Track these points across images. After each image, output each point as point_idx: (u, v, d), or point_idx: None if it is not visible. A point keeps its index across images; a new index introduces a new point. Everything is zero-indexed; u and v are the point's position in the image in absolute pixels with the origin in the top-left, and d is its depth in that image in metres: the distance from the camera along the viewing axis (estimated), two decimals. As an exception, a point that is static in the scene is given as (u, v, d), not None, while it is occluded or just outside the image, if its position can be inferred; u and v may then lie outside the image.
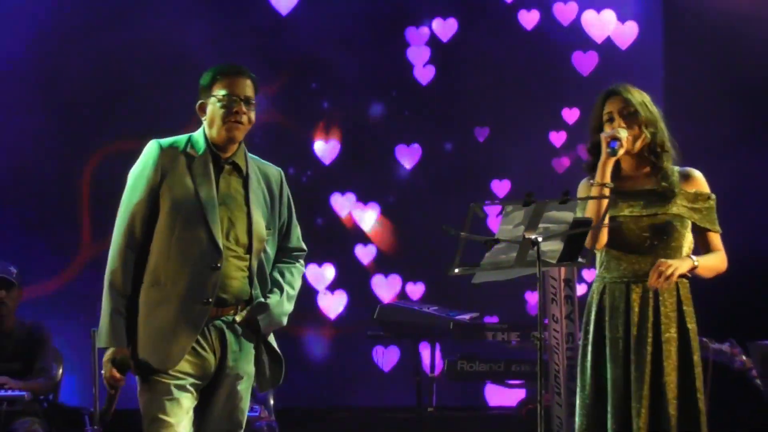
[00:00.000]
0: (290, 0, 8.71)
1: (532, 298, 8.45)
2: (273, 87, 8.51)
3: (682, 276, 4.33)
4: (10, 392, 6.40)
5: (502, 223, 4.07)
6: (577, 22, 8.81)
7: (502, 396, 8.33)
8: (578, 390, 4.45)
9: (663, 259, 4.28)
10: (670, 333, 4.32)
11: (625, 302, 4.36)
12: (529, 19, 8.80)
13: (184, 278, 4.02)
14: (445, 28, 8.83)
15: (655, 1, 8.56)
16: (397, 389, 8.20)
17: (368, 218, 8.79)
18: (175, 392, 4.02)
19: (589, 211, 4.29)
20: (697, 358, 4.34)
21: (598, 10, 8.83)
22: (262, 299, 4.16)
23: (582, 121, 8.25)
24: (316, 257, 8.47)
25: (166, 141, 4.15)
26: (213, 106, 4.12)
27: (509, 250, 4.08)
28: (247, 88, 4.14)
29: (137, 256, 4.06)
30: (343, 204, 8.77)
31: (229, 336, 4.10)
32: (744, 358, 6.39)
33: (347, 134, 8.78)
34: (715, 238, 4.46)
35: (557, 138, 8.74)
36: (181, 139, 4.17)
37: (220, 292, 4.05)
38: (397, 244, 8.77)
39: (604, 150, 4.32)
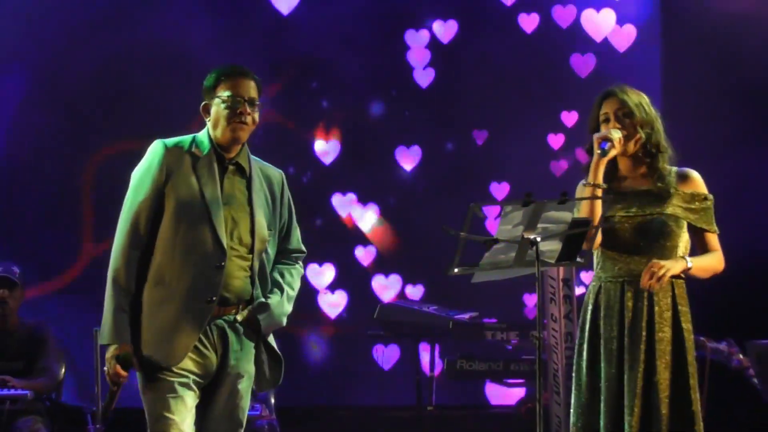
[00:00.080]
0: (291, 0, 8.72)
1: (531, 300, 8.45)
2: (274, 87, 8.51)
3: (675, 276, 4.35)
4: (12, 391, 6.43)
5: (501, 223, 4.09)
6: (575, 25, 8.79)
7: (501, 395, 8.34)
8: (573, 388, 4.47)
9: (655, 260, 4.30)
10: (664, 332, 4.34)
11: (620, 302, 4.38)
12: (528, 21, 8.79)
13: (188, 277, 4.05)
14: (445, 30, 8.81)
15: (654, 3, 8.55)
16: (397, 388, 8.21)
17: (368, 219, 8.80)
18: (179, 390, 4.05)
19: (583, 211, 4.32)
20: (691, 358, 4.35)
21: (598, 9, 8.84)
22: (263, 299, 4.19)
23: (580, 123, 8.27)
24: (316, 257, 8.48)
25: (171, 141, 4.18)
26: (217, 107, 4.15)
27: (508, 250, 4.10)
28: (251, 89, 4.18)
29: (141, 255, 4.08)
30: (344, 204, 8.77)
31: (231, 335, 4.13)
32: (741, 357, 6.37)
33: (347, 135, 8.78)
34: (713, 239, 4.47)
35: (555, 140, 8.74)
36: (186, 139, 4.20)
37: (223, 291, 4.08)
38: (397, 246, 8.76)
39: (596, 150, 4.35)
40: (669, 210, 4.39)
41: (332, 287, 8.66)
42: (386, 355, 8.53)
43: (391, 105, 8.83)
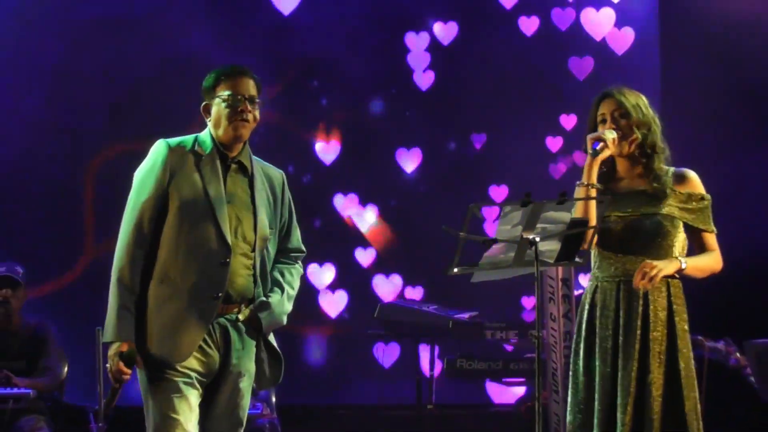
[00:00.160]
0: (292, 1, 8.73)
1: (529, 303, 8.46)
2: (275, 88, 8.52)
3: (670, 276, 4.37)
4: (15, 390, 6.44)
5: (501, 223, 4.11)
6: (575, 28, 8.80)
7: (500, 394, 8.36)
8: (570, 387, 4.49)
9: (648, 260, 4.32)
10: (658, 331, 4.35)
11: (616, 301, 4.40)
12: (528, 24, 8.80)
13: (193, 274, 4.08)
14: (445, 32, 8.82)
15: (652, 6, 8.56)
16: (397, 387, 8.23)
17: (368, 220, 8.82)
18: (184, 389, 4.07)
19: (577, 211, 4.33)
20: (685, 359, 4.36)
21: (597, 8, 8.85)
22: (264, 298, 4.22)
23: (579, 126, 8.28)
24: (317, 257, 8.50)
25: (174, 140, 4.21)
26: (218, 107, 4.18)
27: (507, 249, 4.12)
28: (251, 87, 4.21)
29: (145, 254, 4.10)
30: (345, 205, 8.79)
31: (233, 334, 4.15)
32: (738, 356, 6.40)
33: (348, 136, 8.79)
34: (710, 238, 4.49)
35: (554, 143, 8.74)
36: (188, 138, 4.23)
37: (227, 288, 4.11)
38: (397, 247, 8.77)
39: (588, 151, 4.38)
40: (665, 210, 4.41)
41: (333, 287, 8.68)
42: (387, 353, 8.55)
43: (392, 106, 8.84)
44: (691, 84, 7.83)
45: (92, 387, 6.71)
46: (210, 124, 4.23)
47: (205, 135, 4.23)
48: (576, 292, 6.78)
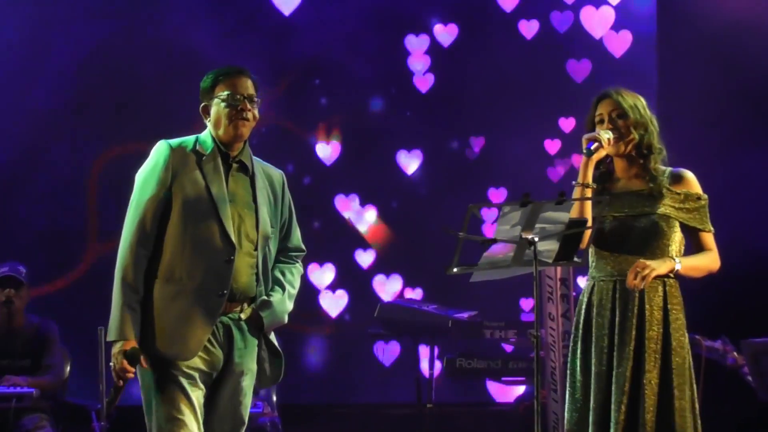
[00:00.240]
0: (293, 1, 8.73)
1: (527, 304, 8.47)
2: (275, 89, 8.52)
3: (664, 276, 4.38)
4: (18, 389, 6.46)
5: (500, 223, 4.13)
6: (573, 30, 8.80)
7: (501, 392, 8.37)
8: (568, 386, 4.52)
9: (641, 260, 4.34)
10: (654, 331, 4.37)
11: (611, 300, 4.41)
12: (528, 27, 8.80)
13: (199, 272, 4.10)
14: (445, 34, 8.82)
15: (650, 9, 8.55)
16: (397, 386, 8.25)
17: (368, 220, 8.84)
18: (189, 388, 4.09)
19: (573, 211, 4.34)
20: (679, 357, 4.37)
21: (597, 7, 8.84)
22: (265, 297, 4.25)
23: (578, 129, 8.29)
24: (317, 257, 8.51)
25: (175, 141, 4.24)
26: (217, 107, 4.21)
27: (506, 249, 4.13)
28: (249, 86, 4.24)
29: (148, 253, 4.12)
30: (346, 206, 8.80)
31: (236, 333, 4.18)
32: (736, 355, 6.40)
33: (349, 137, 8.79)
34: (707, 238, 4.50)
35: (553, 146, 8.75)
36: (189, 139, 4.26)
37: (231, 286, 4.14)
38: (397, 247, 8.78)
39: (583, 151, 4.40)
40: (660, 210, 4.43)
41: (333, 286, 8.70)
42: (387, 351, 8.57)
43: (392, 107, 8.84)
44: (688, 86, 7.84)
45: (94, 386, 6.74)
46: (210, 125, 4.26)
47: (205, 135, 4.26)
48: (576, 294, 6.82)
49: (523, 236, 4.11)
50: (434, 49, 8.85)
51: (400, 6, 8.80)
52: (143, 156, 4.28)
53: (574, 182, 4.44)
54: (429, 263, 8.10)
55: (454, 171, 8.77)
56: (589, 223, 4.35)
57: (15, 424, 6.52)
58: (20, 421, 6.56)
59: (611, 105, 4.47)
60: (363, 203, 8.82)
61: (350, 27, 8.68)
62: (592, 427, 4.39)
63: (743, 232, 7.27)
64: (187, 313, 4.09)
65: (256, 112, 4.24)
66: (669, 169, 4.52)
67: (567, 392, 4.52)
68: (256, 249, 4.20)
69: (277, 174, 4.40)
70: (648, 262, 4.33)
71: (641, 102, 4.52)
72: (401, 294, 8.67)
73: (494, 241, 4.13)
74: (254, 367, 4.26)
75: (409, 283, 8.72)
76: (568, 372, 4.53)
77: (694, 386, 4.45)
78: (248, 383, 4.24)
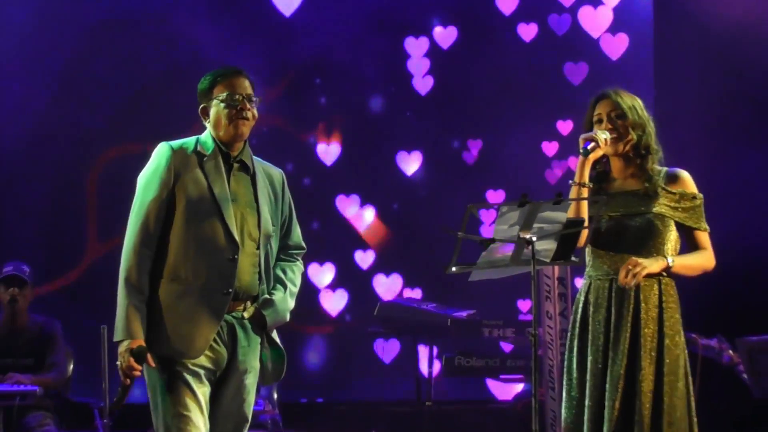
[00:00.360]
0: (293, 2, 8.74)
1: (525, 306, 8.48)
2: (276, 89, 8.54)
3: (656, 275, 4.41)
4: (22, 387, 6.49)
5: (498, 223, 4.15)
6: (570, 33, 8.81)
7: (503, 390, 8.41)
8: (564, 383, 4.55)
9: (634, 258, 4.37)
10: (649, 328, 4.39)
11: (607, 298, 4.44)
12: (527, 31, 8.81)
13: (203, 271, 4.13)
14: (444, 36, 8.82)
15: (646, 11, 8.54)
16: (397, 384, 8.28)
17: (368, 220, 8.86)
18: (195, 386, 4.12)
19: (570, 210, 4.36)
20: (672, 355, 4.39)
21: (595, 6, 8.85)
22: (267, 296, 4.28)
23: (575, 132, 8.29)
24: (318, 256, 8.54)
25: (176, 143, 4.26)
26: (217, 108, 4.24)
27: (505, 249, 4.17)
28: (247, 86, 4.27)
29: (152, 254, 4.14)
30: (347, 206, 8.81)
31: (239, 331, 4.21)
32: (731, 353, 6.41)
33: (349, 137, 8.80)
34: (702, 237, 4.52)
35: (551, 148, 8.77)
36: (190, 140, 4.28)
37: (235, 284, 4.17)
38: (397, 247, 8.78)
39: (579, 150, 4.44)
40: (656, 209, 4.46)
41: (333, 285, 8.72)
42: (387, 349, 8.58)
43: (393, 109, 8.84)
44: (684, 88, 7.84)
45: (93, 386, 6.79)
46: (209, 126, 4.29)
47: (206, 136, 4.29)
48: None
49: (521, 236, 4.13)
50: (433, 51, 8.85)
51: (400, 8, 8.80)
52: (142, 156, 4.30)
53: (571, 181, 4.47)
54: (428, 263, 8.12)
55: (453, 172, 8.78)
56: (586, 223, 4.38)
57: (19, 421, 6.56)
58: (24, 419, 6.60)
59: (610, 105, 4.50)
60: (363, 203, 8.83)
61: (351, 28, 8.68)
62: (587, 424, 4.42)
63: (739, 232, 7.28)
64: (192, 312, 4.12)
65: (255, 111, 4.27)
66: (665, 169, 4.55)
67: (564, 390, 4.55)
68: (258, 248, 4.23)
69: (277, 173, 4.43)
70: (640, 260, 4.36)
71: (639, 103, 4.54)
72: (401, 293, 8.70)
73: (492, 240, 4.15)
74: (257, 365, 4.28)
75: (408, 282, 8.73)
76: (565, 370, 4.56)
77: (690, 384, 4.47)
78: (251, 381, 4.26)
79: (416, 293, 8.70)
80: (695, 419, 4.46)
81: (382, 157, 8.82)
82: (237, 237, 4.17)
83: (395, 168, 8.85)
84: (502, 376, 7.55)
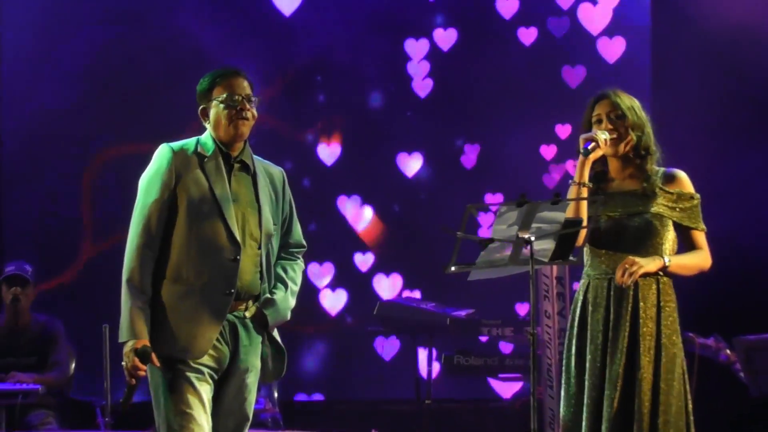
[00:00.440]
0: (293, 2, 8.73)
1: (522, 309, 8.46)
2: (276, 89, 8.55)
3: (653, 274, 4.43)
4: (25, 386, 6.52)
5: (497, 223, 4.18)
6: (568, 36, 8.80)
7: (505, 389, 8.43)
8: (563, 381, 4.57)
9: (630, 257, 4.40)
10: (648, 327, 4.42)
11: (606, 297, 4.46)
12: (527, 35, 8.80)
13: (206, 271, 4.16)
14: (444, 39, 8.81)
15: (644, 14, 8.54)
16: (396, 383, 8.29)
17: (369, 222, 8.87)
18: (197, 384, 4.14)
19: (570, 210, 4.39)
20: (669, 354, 4.41)
21: (594, 3, 8.84)
22: (269, 295, 4.31)
23: (573, 136, 8.30)
24: (318, 256, 8.55)
25: (177, 144, 4.28)
26: (216, 109, 4.26)
27: (503, 249, 4.20)
28: (246, 86, 4.28)
29: (155, 255, 4.17)
30: (347, 207, 8.81)
31: (241, 330, 4.23)
32: (728, 352, 6.44)
33: (349, 138, 8.79)
34: (699, 237, 4.55)
35: (548, 151, 8.77)
36: (190, 141, 4.30)
37: (237, 284, 4.19)
38: (397, 248, 8.78)
39: (580, 150, 4.47)
40: (654, 209, 4.48)
41: (333, 285, 8.73)
42: (387, 347, 8.59)
43: (393, 109, 8.84)
44: (681, 90, 7.85)
45: (93, 384, 6.81)
46: (209, 127, 4.30)
47: (206, 137, 4.30)
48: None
49: (520, 235, 4.15)
50: (433, 53, 8.83)
51: (400, 9, 8.80)
52: (138, 157, 4.35)
53: (571, 181, 4.50)
54: (428, 263, 8.12)
55: (453, 174, 8.77)
56: (585, 222, 4.40)
57: (21, 420, 6.59)
58: (26, 418, 6.63)
59: (609, 106, 4.52)
60: (364, 204, 8.83)
61: (351, 28, 8.67)
62: (585, 422, 4.44)
63: (736, 231, 7.30)
64: (195, 313, 4.14)
65: (254, 111, 4.28)
66: (662, 169, 4.57)
67: (562, 388, 4.57)
68: (259, 247, 4.25)
69: (278, 171, 4.45)
70: (637, 260, 4.39)
71: (637, 104, 4.57)
72: (400, 293, 8.71)
73: (491, 240, 4.17)
74: (258, 363, 4.30)
75: (408, 282, 8.73)
76: (564, 369, 4.58)
77: (686, 383, 4.49)
78: (253, 380, 4.29)
79: (416, 294, 8.69)
80: (692, 418, 4.48)
81: (382, 158, 8.81)
82: (238, 237, 4.20)
83: (395, 169, 8.84)
84: (500, 375, 7.56)
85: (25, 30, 8.32)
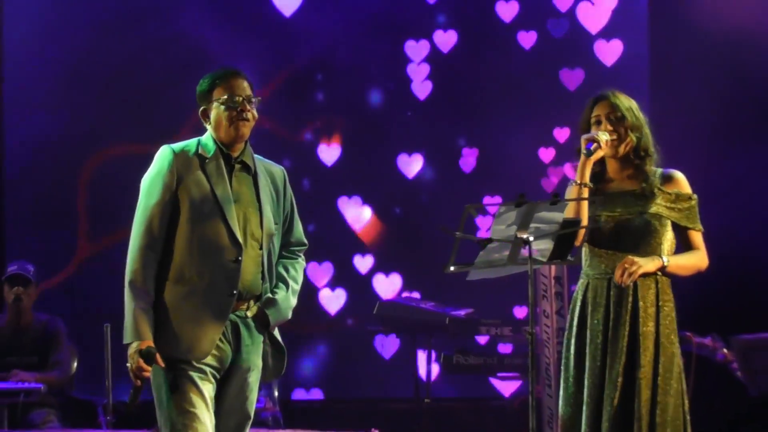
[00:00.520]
0: (294, 2, 8.75)
1: (521, 312, 8.45)
2: (275, 90, 8.58)
3: (651, 274, 4.46)
4: (27, 384, 6.54)
5: (495, 223, 4.19)
6: (566, 39, 8.81)
7: (506, 388, 8.44)
8: (562, 381, 4.59)
9: (629, 257, 4.42)
10: (648, 327, 4.44)
11: (606, 297, 4.48)
12: (527, 38, 8.80)
13: (208, 272, 4.16)
14: (444, 41, 8.82)
15: (642, 16, 8.55)
16: (396, 382, 8.30)
17: (369, 222, 8.87)
18: (200, 383, 4.15)
19: (570, 210, 4.41)
20: (666, 354, 4.43)
21: (592, 2, 8.84)
22: (270, 295, 4.32)
23: (571, 139, 8.32)
24: (318, 255, 8.56)
25: (178, 145, 4.29)
26: (217, 110, 4.26)
27: (502, 248, 4.22)
28: (246, 87, 4.28)
29: (157, 256, 4.18)
30: (348, 207, 8.84)
31: (243, 330, 4.24)
32: (725, 351, 6.45)
33: (349, 138, 8.79)
34: (696, 237, 4.57)
35: (546, 154, 8.77)
36: (191, 142, 4.31)
37: (239, 285, 4.20)
38: (396, 248, 8.79)
39: (582, 151, 4.49)
40: (652, 209, 4.51)
41: (332, 284, 8.73)
42: (386, 346, 8.60)
43: (393, 110, 8.84)
44: (679, 92, 7.86)
45: (93, 383, 6.83)
46: (210, 128, 4.31)
47: (207, 138, 4.31)
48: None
49: (519, 235, 4.17)
50: (433, 54, 8.83)
51: (400, 11, 8.80)
52: (136, 157, 4.38)
53: (571, 181, 4.52)
54: (427, 263, 8.12)
55: (452, 176, 8.78)
56: (585, 222, 4.42)
57: (23, 419, 6.61)
58: (28, 416, 6.65)
59: (609, 107, 4.55)
60: (364, 204, 8.84)
61: (352, 29, 8.67)
62: (585, 421, 4.46)
63: (733, 231, 7.32)
64: (198, 313, 4.15)
65: (254, 111, 4.28)
66: (660, 169, 4.59)
67: (561, 387, 4.59)
68: (261, 247, 4.26)
69: (278, 170, 4.45)
70: (636, 259, 4.41)
71: (635, 104, 4.59)
72: (400, 293, 8.72)
73: (490, 240, 4.19)
74: (260, 362, 4.31)
75: (407, 282, 8.73)
76: (562, 368, 4.60)
77: (683, 382, 4.52)
78: (254, 379, 4.30)
79: (415, 294, 8.68)
80: (689, 417, 4.50)
81: (382, 159, 8.82)
82: (240, 238, 4.21)
83: (396, 170, 8.85)
84: (499, 375, 7.59)
85: (26, 30, 8.32)
